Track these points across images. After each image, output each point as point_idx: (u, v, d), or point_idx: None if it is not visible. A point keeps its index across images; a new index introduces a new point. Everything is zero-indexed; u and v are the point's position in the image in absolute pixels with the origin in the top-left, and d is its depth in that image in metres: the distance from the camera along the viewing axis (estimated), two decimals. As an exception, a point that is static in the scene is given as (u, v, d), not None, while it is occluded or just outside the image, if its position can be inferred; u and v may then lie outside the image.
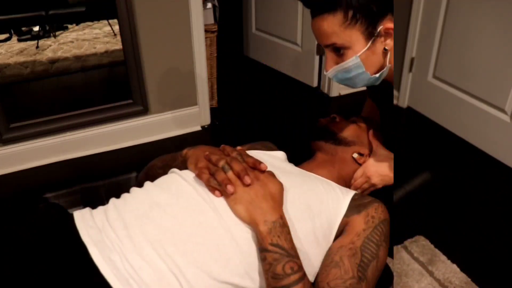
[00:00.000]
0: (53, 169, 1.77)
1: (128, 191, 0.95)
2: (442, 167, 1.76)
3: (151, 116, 1.94)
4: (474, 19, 1.75)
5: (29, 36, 1.98)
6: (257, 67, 2.78)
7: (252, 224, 0.81)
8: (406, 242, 1.35)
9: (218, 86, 2.20)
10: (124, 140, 1.92)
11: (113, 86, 2.09)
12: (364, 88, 1.21)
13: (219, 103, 2.23)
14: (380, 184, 1.14)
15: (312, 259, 0.88)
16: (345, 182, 1.16)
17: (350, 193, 0.99)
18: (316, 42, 2.27)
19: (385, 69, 1.05)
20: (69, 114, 1.79)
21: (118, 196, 0.94)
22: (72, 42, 2.02)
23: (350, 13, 0.95)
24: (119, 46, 1.79)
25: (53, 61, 1.96)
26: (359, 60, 1.00)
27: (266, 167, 0.89)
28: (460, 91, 1.90)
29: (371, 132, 1.21)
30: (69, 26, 2.08)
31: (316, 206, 0.92)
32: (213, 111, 2.13)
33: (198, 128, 2.07)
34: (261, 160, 0.90)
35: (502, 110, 1.72)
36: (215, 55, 2.09)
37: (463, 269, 1.25)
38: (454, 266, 1.26)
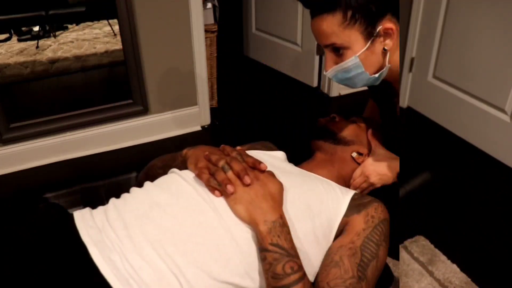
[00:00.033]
0: (53, 169, 1.77)
1: (128, 191, 0.95)
2: (442, 167, 1.76)
3: (151, 116, 1.94)
4: (474, 19, 1.75)
5: (29, 36, 1.98)
6: (257, 67, 2.78)
7: (252, 224, 0.81)
8: (406, 242, 1.35)
9: (218, 86, 2.20)
10: (124, 140, 1.92)
11: (113, 86, 2.09)
12: (364, 88, 1.21)
13: (219, 103, 2.23)
14: (378, 183, 1.14)
15: (312, 258, 0.88)
16: (345, 181, 1.16)
17: (350, 193, 0.99)
18: (316, 42, 2.27)
19: (384, 69, 1.05)
20: (69, 114, 1.79)
21: (118, 196, 0.94)
22: (72, 42, 2.02)
23: (349, 13, 0.95)
24: (119, 46, 1.79)
25: (53, 61, 1.96)
26: (359, 60, 1.00)
27: (266, 167, 0.89)
28: (460, 91, 1.90)
29: (370, 131, 1.21)
30: (69, 26, 2.08)
31: (316, 206, 0.92)
32: (213, 111, 2.13)
33: (198, 128, 2.07)
34: (261, 160, 0.90)
35: (502, 110, 1.72)
36: (215, 55, 2.09)
37: (463, 269, 1.25)
38: (454, 266, 1.26)
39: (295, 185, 0.93)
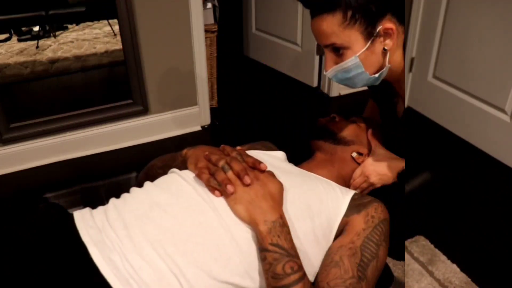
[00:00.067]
0: (53, 169, 1.77)
1: (128, 191, 0.95)
2: (442, 167, 1.76)
3: (151, 116, 1.94)
4: (474, 19, 1.75)
5: (29, 36, 1.98)
6: (257, 67, 2.78)
7: (252, 224, 0.81)
8: (406, 242, 1.35)
9: (218, 86, 2.20)
10: (124, 140, 1.92)
11: (113, 86, 2.09)
12: (364, 88, 1.21)
13: (219, 103, 2.23)
14: (378, 183, 1.14)
15: (312, 258, 0.88)
16: (345, 181, 1.16)
17: (350, 193, 0.99)
18: (316, 42, 2.27)
19: (384, 69, 1.05)
20: (69, 114, 1.79)
21: (118, 196, 0.94)
22: (72, 42, 2.02)
23: (349, 13, 0.95)
24: (119, 46, 1.79)
25: (53, 61, 1.96)
26: (358, 60, 1.00)
27: (266, 167, 0.89)
28: (460, 91, 1.90)
29: (370, 131, 1.21)
30: (69, 26, 2.08)
31: (316, 205, 0.92)
32: (213, 111, 2.13)
33: (198, 128, 2.07)
34: (261, 160, 0.90)
35: (502, 110, 1.72)
36: (215, 55, 2.09)
37: (463, 269, 1.25)
38: (454, 266, 1.26)
39: (295, 185, 0.93)
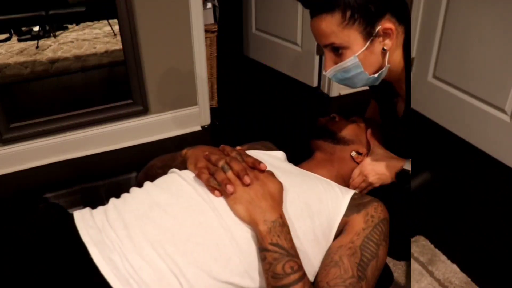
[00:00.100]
0: (53, 169, 1.77)
1: (128, 191, 0.95)
2: (442, 167, 1.75)
3: (151, 116, 1.94)
4: (474, 19, 1.75)
5: (29, 36, 1.98)
6: (257, 67, 2.78)
7: (251, 223, 0.81)
8: (406, 242, 1.35)
9: (218, 86, 2.20)
10: (124, 140, 1.92)
11: (113, 86, 2.09)
12: (364, 88, 1.21)
13: (219, 103, 2.23)
14: (377, 182, 1.14)
15: (312, 258, 0.88)
16: (344, 181, 1.17)
17: (350, 193, 0.99)
18: (316, 42, 2.27)
19: (384, 69, 1.05)
20: (69, 114, 1.79)
21: (118, 196, 0.94)
22: (72, 42, 2.02)
23: (348, 13, 0.95)
24: (119, 46, 1.79)
25: (53, 61, 1.97)
26: (358, 60, 1.00)
27: (266, 167, 0.89)
28: (460, 91, 1.90)
29: (369, 131, 1.21)
30: (69, 26, 2.08)
31: (316, 205, 0.92)
32: (213, 111, 2.13)
33: (198, 128, 2.07)
34: (261, 160, 0.90)
35: (502, 110, 1.72)
36: (215, 55, 2.09)
37: (463, 269, 1.24)
38: (454, 266, 1.26)
39: (294, 185, 0.93)
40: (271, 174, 0.89)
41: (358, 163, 1.17)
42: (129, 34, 1.71)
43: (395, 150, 1.19)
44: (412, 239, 1.35)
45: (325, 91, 2.41)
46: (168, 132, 2.00)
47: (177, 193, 0.89)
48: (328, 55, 1.04)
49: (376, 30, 0.98)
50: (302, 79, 2.53)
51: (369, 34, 0.98)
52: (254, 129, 2.06)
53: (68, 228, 0.82)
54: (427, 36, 1.99)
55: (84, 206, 0.93)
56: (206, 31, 1.91)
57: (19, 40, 1.97)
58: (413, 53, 2.09)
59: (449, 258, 1.28)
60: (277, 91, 2.49)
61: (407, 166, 1.10)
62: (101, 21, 2.06)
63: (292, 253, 0.79)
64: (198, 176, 0.89)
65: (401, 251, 1.24)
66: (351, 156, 1.18)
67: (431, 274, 1.24)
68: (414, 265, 1.26)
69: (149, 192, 0.91)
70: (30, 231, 0.82)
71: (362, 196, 1.00)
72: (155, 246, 0.78)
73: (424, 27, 2.01)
